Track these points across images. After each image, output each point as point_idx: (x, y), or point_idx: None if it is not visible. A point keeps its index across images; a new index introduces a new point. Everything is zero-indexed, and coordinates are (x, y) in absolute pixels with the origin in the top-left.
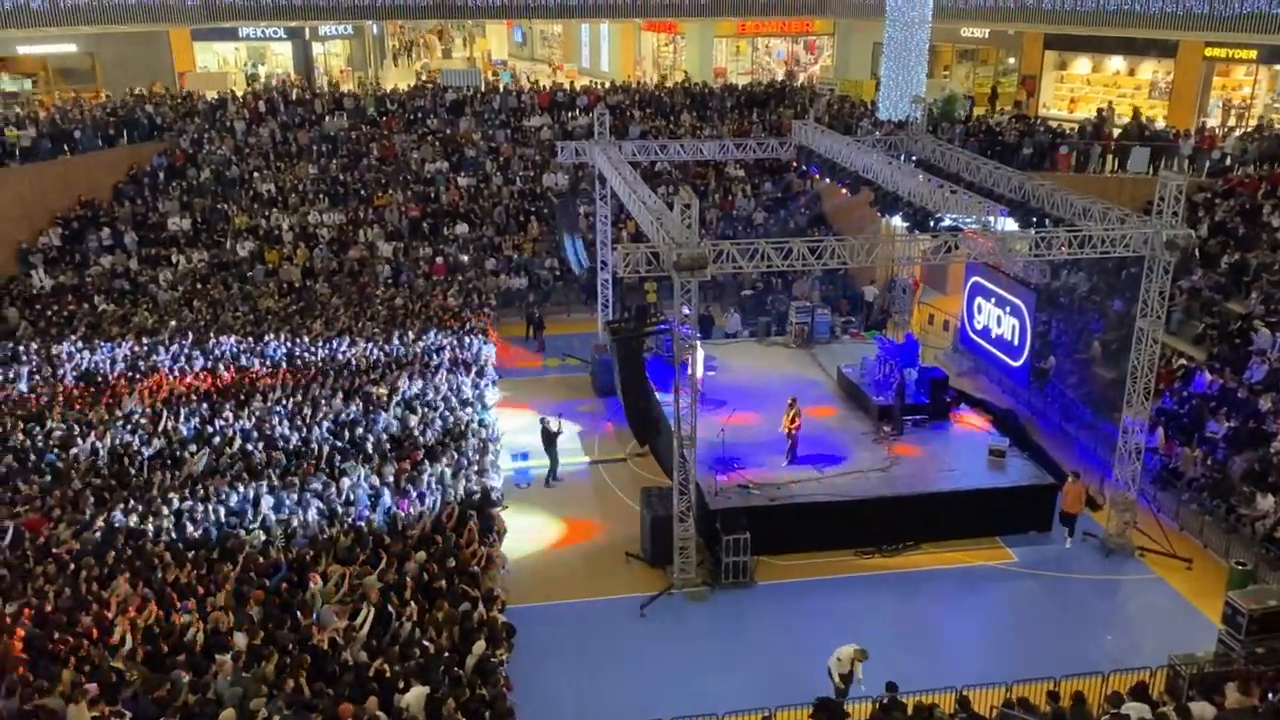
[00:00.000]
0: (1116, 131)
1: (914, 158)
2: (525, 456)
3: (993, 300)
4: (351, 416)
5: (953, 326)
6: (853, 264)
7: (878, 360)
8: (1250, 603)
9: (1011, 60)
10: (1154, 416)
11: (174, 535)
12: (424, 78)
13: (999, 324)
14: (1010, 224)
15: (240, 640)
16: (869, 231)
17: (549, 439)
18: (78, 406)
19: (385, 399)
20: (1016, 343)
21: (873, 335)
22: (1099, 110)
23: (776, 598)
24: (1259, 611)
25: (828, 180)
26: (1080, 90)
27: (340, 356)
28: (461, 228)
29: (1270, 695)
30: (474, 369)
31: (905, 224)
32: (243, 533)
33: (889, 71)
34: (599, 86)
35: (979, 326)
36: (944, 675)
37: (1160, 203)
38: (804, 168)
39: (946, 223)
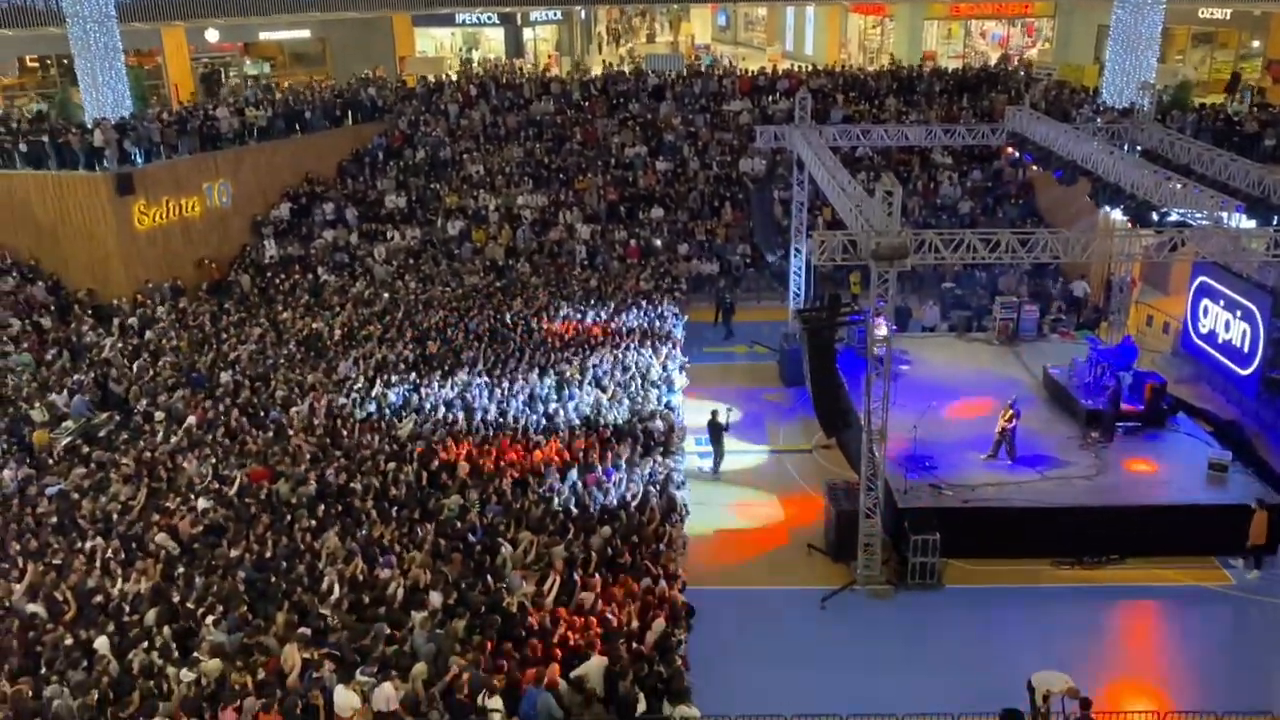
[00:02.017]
0: None
1: (1139, 147)
2: (709, 441)
3: (1221, 303)
4: (545, 392)
5: (1173, 329)
6: (1066, 259)
7: (1089, 362)
8: None
9: (1256, 43)
10: None
11: (379, 494)
12: (627, 62)
13: (1227, 328)
14: (1246, 221)
15: (435, 599)
16: (1085, 224)
17: (716, 430)
18: (298, 370)
19: (578, 377)
20: (1246, 350)
21: (1084, 335)
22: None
23: (964, 603)
24: None
25: (1041, 169)
26: None
27: (537, 334)
28: (657, 211)
29: None
30: (664, 351)
31: (1126, 218)
32: (441, 495)
33: (1115, 55)
34: (801, 70)
35: (1204, 330)
36: (1142, 698)
37: None
38: (1017, 155)
39: (1173, 218)
